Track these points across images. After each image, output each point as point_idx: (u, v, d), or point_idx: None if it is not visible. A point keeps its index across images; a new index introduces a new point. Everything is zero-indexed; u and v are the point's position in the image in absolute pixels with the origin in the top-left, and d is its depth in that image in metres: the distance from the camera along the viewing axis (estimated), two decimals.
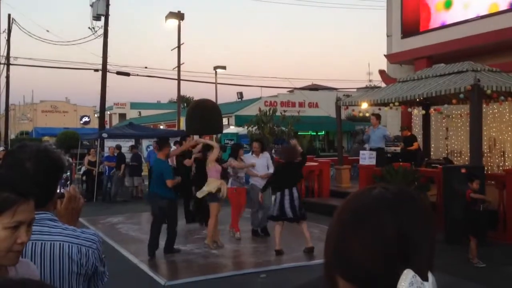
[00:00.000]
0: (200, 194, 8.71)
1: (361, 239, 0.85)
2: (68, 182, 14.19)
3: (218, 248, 8.57)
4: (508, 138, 13.55)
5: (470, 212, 7.35)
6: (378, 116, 12.40)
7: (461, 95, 9.92)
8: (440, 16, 15.39)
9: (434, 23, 15.56)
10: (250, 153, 9.96)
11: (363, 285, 0.85)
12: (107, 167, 16.10)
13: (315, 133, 32.02)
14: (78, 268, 1.71)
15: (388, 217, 0.85)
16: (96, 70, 22.93)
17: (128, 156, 16.67)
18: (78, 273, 1.71)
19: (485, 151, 13.16)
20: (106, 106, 24.15)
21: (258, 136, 16.83)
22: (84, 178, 16.95)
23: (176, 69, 25.20)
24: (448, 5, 15.11)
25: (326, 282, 0.91)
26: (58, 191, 1.80)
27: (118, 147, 16.27)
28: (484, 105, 11.44)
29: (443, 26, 15.10)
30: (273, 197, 8.52)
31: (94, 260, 1.75)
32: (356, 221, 0.88)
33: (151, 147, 16.23)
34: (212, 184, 8.58)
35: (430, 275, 0.84)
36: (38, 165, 1.70)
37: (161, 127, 35.50)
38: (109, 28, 21.69)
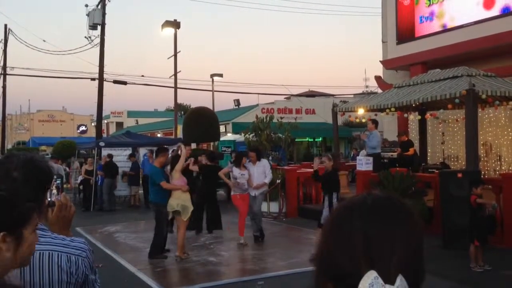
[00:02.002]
0: (184, 215, 8.37)
1: (337, 241, 0.91)
2: (59, 191, 14.13)
3: (187, 258, 8.47)
4: (504, 143, 13.60)
5: (476, 218, 7.32)
6: (374, 121, 12.45)
7: (457, 100, 9.97)
8: (432, 23, 15.48)
9: (428, 29, 15.65)
10: (247, 161, 10.00)
11: (339, 284, 0.88)
12: (100, 176, 16.06)
13: (312, 140, 32.08)
14: (68, 277, 1.71)
15: (358, 223, 0.89)
16: (93, 79, 22.98)
17: (127, 165, 16.66)
18: (68, 282, 1.71)
19: (482, 155, 13.20)
20: (103, 115, 24.15)
21: (256, 143, 16.85)
22: (81, 187, 16.92)
23: (173, 77, 25.25)
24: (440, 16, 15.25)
25: (314, 284, 0.95)
26: (49, 199, 1.80)
27: (109, 156, 16.22)
28: (480, 110, 11.49)
29: (438, 32, 15.19)
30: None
31: (84, 269, 1.75)
32: (334, 225, 0.94)
33: (147, 156, 16.21)
34: (182, 197, 8.36)
35: (399, 279, 0.84)
36: (26, 175, 1.70)
37: (158, 135, 35.49)
38: (106, 37, 21.77)
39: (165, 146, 10.02)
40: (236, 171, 9.57)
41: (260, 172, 9.76)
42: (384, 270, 0.84)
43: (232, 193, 9.81)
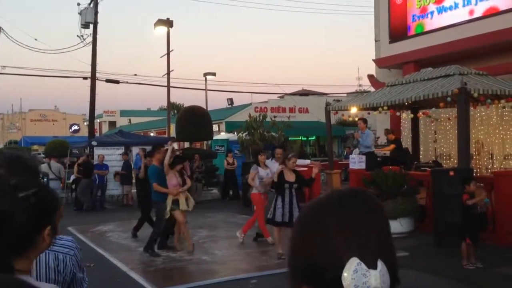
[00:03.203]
0: (165, 215, 8.54)
1: (310, 236, 0.92)
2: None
3: (176, 252, 8.64)
4: (496, 141, 13.67)
5: (467, 215, 7.35)
6: (365, 121, 12.50)
7: (449, 99, 10.00)
8: (424, 22, 15.54)
9: (421, 28, 15.70)
10: (271, 159, 9.88)
11: (319, 281, 0.88)
12: (96, 175, 16.00)
13: (305, 138, 32.09)
14: (55, 275, 1.69)
15: (329, 217, 0.91)
16: (85, 78, 22.88)
17: (121, 165, 16.58)
18: (56, 280, 1.69)
19: (474, 153, 13.26)
20: (96, 114, 24.07)
21: (249, 142, 16.84)
22: (73, 186, 16.83)
23: (166, 76, 25.17)
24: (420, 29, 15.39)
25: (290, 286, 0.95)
26: None
27: (88, 155, 16.16)
28: (472, 108, 11.54)
29: (430, 31, 15.25)
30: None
31: (72, 267, 1.73)
32: (303, 224, 0.95)
33: (138, 155, 16.15)
34: (170, 198, 8.52)
35: (380, 263, 0.86)
36: (12, 172, 1.68)
37: (152, 134, 35.39)
38: (98, 36, 21.70)
39: (161, 144, 9.99)
40: (262, 172, 9.31)
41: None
42: (364, 255, 0.86)
43: (253, 191, 9.52)
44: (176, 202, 8.58)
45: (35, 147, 39.35)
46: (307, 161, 15.08)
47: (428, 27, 15.45)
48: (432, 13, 15.37)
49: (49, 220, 1.36)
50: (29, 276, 1.35)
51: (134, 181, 16.05)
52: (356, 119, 13.25)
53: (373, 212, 0.94)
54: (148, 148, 13.36)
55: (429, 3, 15.48)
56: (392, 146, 13.06)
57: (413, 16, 15.99)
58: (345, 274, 0.84)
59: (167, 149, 8.88)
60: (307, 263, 0.90)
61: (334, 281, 0.85)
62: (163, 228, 8.82)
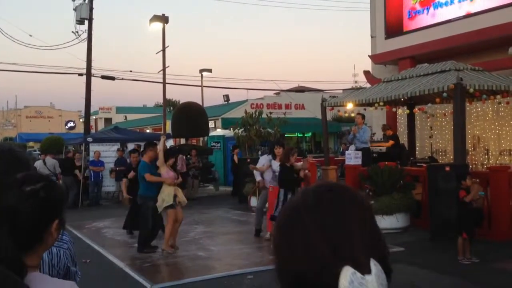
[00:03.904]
0: (159, 208, 8.31)
1: (291, 245, 0.86)
2: None
3: (175, 252, 8.42)
4: (492, 136, 13.71)
5: (463, 210, 7.36)
6: (363, 116, 12.49)
7: (445, 94, 10.01)
8: (420, 18, 15.54)
9: (417, 24, 15.71)
10: (267, 155, 9.81)
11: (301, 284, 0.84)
12: (92, 172, 15.95)
13: (301, 135, 32.12)
14: (49, 270, 1.67)
15: (309, 220, 0.85)
16: (81, 75, 22.76)
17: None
18: (49, 274, 1.67)
19: (469, 149, 13.29)
20: (92, 111, 23.97)
21: (245, 139, 16.81)
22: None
23: (162, 72, 25.10)
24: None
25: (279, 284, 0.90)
26: None
27: (68, 152, 16.05)
28: (468, 104, 11.56)
29: (426, 27, 15.25)
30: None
31: (65, 261, 1.71)
32: (285, 230, 0.89)
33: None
34: (165, 191, 8.28)
35: (373, 265, 0.81)
36: (3, 165, 1.65)
37: (148, 131, 35.31)
38: (93, 32, 21.60)
39: (154, 141, 9.91)
40: (274, 164, 9.13)
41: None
42: (355, 259, 0.81)
43: (268, 184, 9.42)
44: (175, 198, 8.30)
45: (31, 143, 39.24)
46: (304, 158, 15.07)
47: (424, 23, 15.45)
48: (428, 8, 15.37)
49: (57, 214, 1.34)
50: (37, 271, 1.34)
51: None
52: (353, 114, 13.22)
53: (353, 205, 0.88)
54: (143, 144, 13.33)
55: None
56: (391, 142, 13.05)
57: (409, 12, 15.98)
58: (341, 282, 0.79)
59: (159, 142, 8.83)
60: (294, 272, 0.85)
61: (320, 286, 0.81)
62: (151, 226, 8.57)
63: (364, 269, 0.81)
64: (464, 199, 7.28)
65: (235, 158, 16.95)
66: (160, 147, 8.65)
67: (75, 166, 15.83)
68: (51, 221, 1.31)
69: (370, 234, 0.86)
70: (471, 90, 9.85)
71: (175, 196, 8.30)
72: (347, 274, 0.80)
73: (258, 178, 10.09)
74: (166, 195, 8.22)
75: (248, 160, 14.78)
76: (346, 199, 0.89)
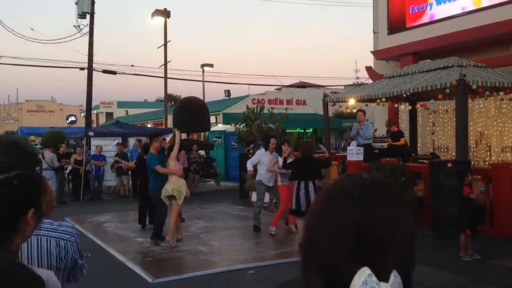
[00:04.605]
0: (179, 199, 8.43)
1: (322, 233, 0.84)
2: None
3: (180, 242, 8.64)
4: (494, 133, 13.68)
5: (466, 207, 7.36)
6: (364, 112, 12.47)
7: (447, 90, 9.97)
8: (423, 13, 15.47)
9: (419, 20, 15.64)
10: (263, 150, 9.86)
11: (325, 278, 0.83)
12: (93, 166, 15.97)
13: (303, 130, 32.08)
14: (57, 263, 1.67)
15: (348, 211, 0.82)
16: (82, 69, 22.71)
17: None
18: (57, 267, 1.67)
19: (472, 146, 13.27)
20: (93, 105, 23.94)
21: (246, 134, 16.78)
22: (70, 177, 16.79)
23: (163, 67, 25.06)
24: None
25: (302, 277, 0.89)
26: None
27: (50, 147, 16.01)
28: (470, 101, 11.52)
29: (429, 22, 15.19)
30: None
31: (73, 253, 1.71)
32: (319, 214, 0.86)
33: (135, 146, 16.12)
34: (178, 182, 8.43)
35: (393, 276, 0.79)
36: (12, 157, 1.64)
37: (149, 125, 35.30)
38: (95, 26, 21.51)
39: (157, 133, 10.00)
40: (281, 161, 9.20)
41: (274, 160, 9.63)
42: (377, 265, 0.78)
43: (279, 183, 9.49)
44: (176, 194, 8.40)
45: (32, 137, 39.15)
46: None
47: (427, 19, 15.39)
48: (431, 4, 15.30)
49: (33, 202, 1.32)
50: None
51: (130, 172, 16.05)
52: (354, 111, 13.18)
53: (398, 211, 0.84)
54: (145, 138, 13.30)
55: None
56: (403, 140, 12.95)
57: (412, 7, 15.92)
58: (355, 281, 0.78)
59: (164, 138, 8.92)
60: (317, 257, 0.83)
61: (340, 284, 0.80)
62: (165, 215, 8.76)
63: (383, 276, 0.78)
64: (469, 195, 7.28)
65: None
66: (177, 139, 8.72)
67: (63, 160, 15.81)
68: (26, 210, 1.29)
69: (403, 243, 0.83)
70: (474, 86, 9.81)
71: (179, 190, 8.47)
72: (364, 274, 0.77)
73: (250, 168, 10.15)
74: (180, 187, 8.37)
75: (250, 156, 14.78)
76: (393, 202, 0.85)
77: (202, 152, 18.91)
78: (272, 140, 9.87)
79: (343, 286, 0.79)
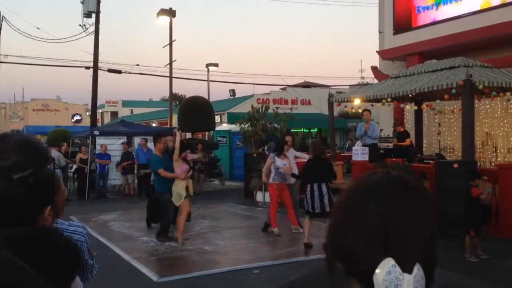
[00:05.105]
0: (176, 203, 8.53)
1: (349, 222, 0.87)
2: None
3: (183, 244, 8.62)
4: (500, 134, 13.61)
5: (473, 208, 7.34)
6: (370, 112, 12.43)
7: (453, 91, 9.94)
8: (429, 13, 15.42)
9: (425, 19, 15.59)
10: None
11: (349, 267, 0.85)
12: (98, 165, 16.01)
13: (307, 130, 32.04)
14: None
15: (374, 204, 0.85)
16: (88, 68, 22.81)
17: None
18: None
19: (478, 146, 13.21)
20: (98, 104, 24.01)
21: (251, 133, 16.78)
22: (75, 176, 16.84)
23: (168, 66, 25.09)
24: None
25: (327, 265, 0.91)
26: None
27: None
28: (476, 101, 11.47)
29: (435, 22, 15.14)
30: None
31: (83, 254, 1.70)
32: (347, 205, 0.90)
33: (140, 146, 16.14)
34: (178, 184, 8.50)
35: (416, 268, 0.81)
36: (24, 156, 1.63)
37: (154, 124, 35.35)
38: (100, 25, 21.59)
39: (161, 134, 10.00)
40: (279, 162, 9.17)
41: (292, 159, 9.58)
42: (401, 257, 0.80)
43: (270, 181, 9.41)
44: (186, 189, 8.53)
45: (38, 136, 39.34)
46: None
47: (432, 19, 15.33)
48: (437, 4, 15.25)
49: (48, 200, 1.32)
50: None
51: (135, 171, 16.10)
52: (360, 110, 13.15)
53: (423, 207, 0.86)
54: (150, 138, 13.30)
55: None
56: (408, 140, 12.92)
57: (418, 7, 15.87)
58: (377, 271, 0.80)
59: (170, 136, 8.94)
60: (341, 247, 0.86)
61: (364, 273, 0.81)
62: (172, 216, 8.80)
63: (406, 268, 0.80)
64: (479, 196, 7.26)
65: None
66: (177, 144, 8.70)
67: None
68: (42, 208, 1.29)
69: (427, 240, 0.85)
70: (480, 86, 9.77)
71: (187, 188, 8.53)
72: (387, 264, 0.80)
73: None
74: (180, 189, 8.42)
75: (255, 155, 14.78)
76: (419, 198, 0.87)
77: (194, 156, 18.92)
78: (287, 138, 9.84)
79: (366, 275, 0.81)
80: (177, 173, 8.48)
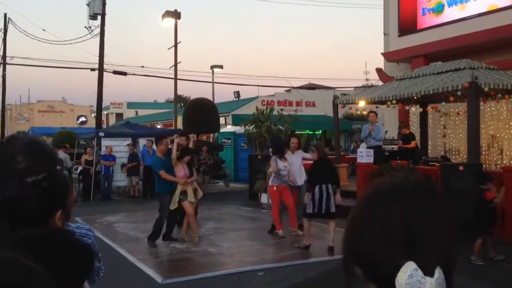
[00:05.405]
0: (172, 206, 8.61)
1: (368, 225, 0.86)
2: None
3: (187, 242, 8.77)
4: (506, 136, 13.56)
5: (487, 210, 7.33)
6: (376, 113, 12.40)
7: (459, 93, 9.91)
8: (435, 15, 15.39)
9: (431, 21, 15.56)
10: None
11: (368, 271, 0.85)
12: (103, 166, 16.05)
13: (312, 132, 32.00)
14: None
15: (396, 207, 0.85)
16: (93, 70, 22.89)
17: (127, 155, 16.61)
18: None
19: (483, 149, 13.16)
20: (103, 106, 24.08)
21: (255, 135, 16.77)
22: (81, 177, 16.90)
23: (173, 68, 25.15)
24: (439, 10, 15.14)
25: (344, 268, 0.91)
26: None
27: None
28: (482, 103, 11.44)
29: (440, 24, 15.10)
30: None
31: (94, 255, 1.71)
32: (367, 208, 0.89)
33: (146, 147, 16.18)
34: (177, 189, 8.58)
35: (437, 272, 0.81)
36: (30, 158, 1.64)
37: (158, 126, 35.42)
38: (106, 27, 21.64)
39: (163, 135, 10.06)
40: (280, 164, 9.15)
41: (300, 161, 9.57)
42: (423, 260, 0.81)
43: (270, 183, 9.46)
44: (184, 193, 8.61)
45: (43, 138, 39.52)
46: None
47: (438, 21, 15.30)
48: (442, 6, 15.22)
49: (60, 204, 1.33)
50: None
51: (141, 172, 16.14)
52: (364, 112, 13.13)
53: (444, 211, 0.87)
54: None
55: None
56: (414, 143, 12.90)
57: (423, 9, 15.84)
58: (400, 274, 0.80)
59: (183, 137, 9.02)
60: (360, 252, 0.86)
61: (384, 277, 0.81)
62: (166, 220, 8.82)
63: (427, 271, 0.80)
64: (494, 199, 7.25)
65: None
66: (173, 155, 8.73)
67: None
68: (55, 211, 1.30)
69: (450, 242, 0.85)
70: (486, 89, 9.75)
71: (185, 192, 8.56)
72: (409, 268, 0.80)
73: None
74: (176, 194, 8.55)
75: (259, 157, 14.78)
76: (440, 202, 0.88)
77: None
78: (293, 140, 9.83)
79: (387, 279, 0.81)
80: (177, 178, 8.58)
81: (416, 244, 0.82)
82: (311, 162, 8.68)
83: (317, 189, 8.00)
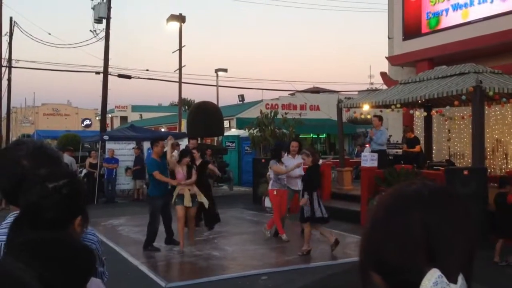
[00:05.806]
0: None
1: (389, 233, 0.85)
2: None
3: (190, 245, 8.72)
4: (511, 140, 13.50)
5: (508, 215, 7.31)
6: (380, 118, 12.35)
7: (463, 97, 9.88)
8: (439, 19, 15.36)
9: (435, 25, 15.52)
10: (286, 155, 9.82)
11: (389, 278, 0.84)
12: (106, 169, 16.08)
13: (316, 136, 31.99)
14: None
15: (418, 214, 0.84)
16: (98, 73, 22.99)
17: (132, 159, 16.62)
18: None
19: (488, 153, 13.10)
20: (108, 109, 24.19)
21: (260, 139, 16.77)
22: (85, 180, 16.92)
23: (178, 71, 25.22)
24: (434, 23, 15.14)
25: (360, 276, 0.90)
26: None
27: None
28: (486, 107, 11.40)
29: (445, 28, 15.07)
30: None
31: (96, 260, 1.71)
32: (387, 216, 0.88)
33: (150, 150, 16.17)
34: (175, 191, 8.57)
35: (460, 279, 0.81)
36: (36, 162, 1.65)
37: (162, 129, 35.49)
38: (111, 31, 21.74)
39: (158, 137, 10.12)
40: (287, 160, 9.27)
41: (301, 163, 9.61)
42: (446, 268, 0.80)
43: (269, 187, 9.48)
44: (180, 197, 8.49)
45: (48, 141, 39.65)
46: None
47: (442, 25, 15.27)
48: (447, 10, 15.19)
49: (79, 210, 1.34)
50: None
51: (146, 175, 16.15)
52: (369, 116, 13.11)
53: (466, 218, 0.86)
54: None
55: (443, 0, 15.28)
56: (418, 147, 12.87)
57: (428, 13, 15.82)
58: (425, 281, 0.79)
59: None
60: (380, 260, 0.84)
61: (406, 284, 0.80)
62: (158, 224, 8.72)
63: (450, 278, 0.80)
64: None
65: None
66: (168, 149, 8.77)
67: None
68: (74, 217, 1.31)
69: (471, 249, 0.85)
70: (491, 93, 9.71)
71: (182, 196, 8.47)
72: (434, 275, 0.79)
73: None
74: (174, 195, 8.52)
75: (263, 161, 14.77)
76: (462, 209, 0.87)
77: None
78: (293, 144, 9.84)
79: (409, 286, 0.80)
80: (171, 180, 8.59)
81: (439, 251, 0.81)
82: (306, 167, 8.65)
83: (315, 195, 8.05)
